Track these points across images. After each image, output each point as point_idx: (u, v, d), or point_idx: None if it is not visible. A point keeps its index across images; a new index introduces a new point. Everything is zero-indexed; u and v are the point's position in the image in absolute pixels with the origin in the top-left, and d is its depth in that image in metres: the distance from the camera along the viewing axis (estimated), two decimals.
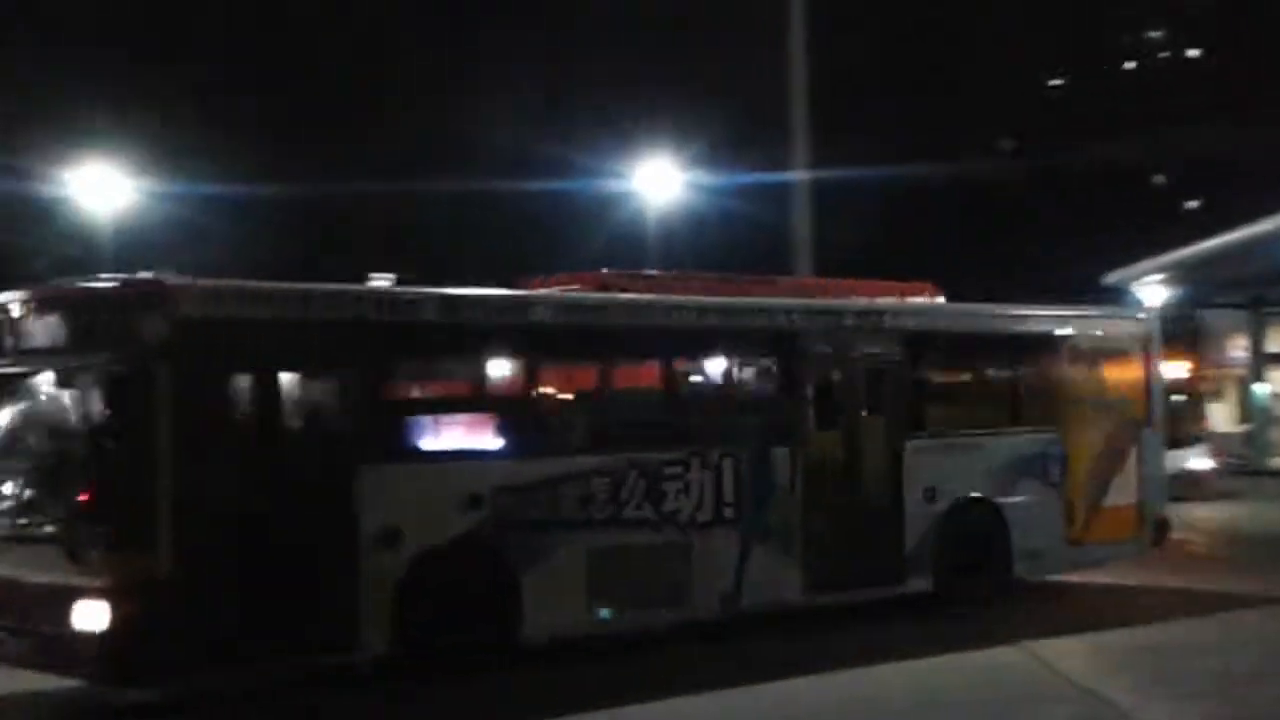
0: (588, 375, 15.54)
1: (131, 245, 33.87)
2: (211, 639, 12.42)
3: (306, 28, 44.72)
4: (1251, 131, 50.75)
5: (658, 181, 36.98)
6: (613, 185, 38.02)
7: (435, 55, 45.23)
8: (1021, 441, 17.91)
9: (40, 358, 13.13)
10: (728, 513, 15.54)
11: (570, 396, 15.45)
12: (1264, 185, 39.98)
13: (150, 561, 12.19)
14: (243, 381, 12.97)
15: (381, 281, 14.76)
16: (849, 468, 16.63)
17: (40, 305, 13.36)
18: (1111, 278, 38.45)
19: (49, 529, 12.56)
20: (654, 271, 22.20)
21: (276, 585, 12.71)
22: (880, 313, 17.46)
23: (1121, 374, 19.02)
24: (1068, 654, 14.65)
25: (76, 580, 12.19)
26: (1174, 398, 26.41)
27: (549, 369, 15.04)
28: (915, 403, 17.30)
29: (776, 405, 16.36)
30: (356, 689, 13.57)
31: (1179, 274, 38.15)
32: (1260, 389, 38.58)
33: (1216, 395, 38.88)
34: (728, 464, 15.54)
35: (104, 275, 14.12)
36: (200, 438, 12.41)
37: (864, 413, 16.85)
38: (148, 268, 13.68)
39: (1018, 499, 17.62)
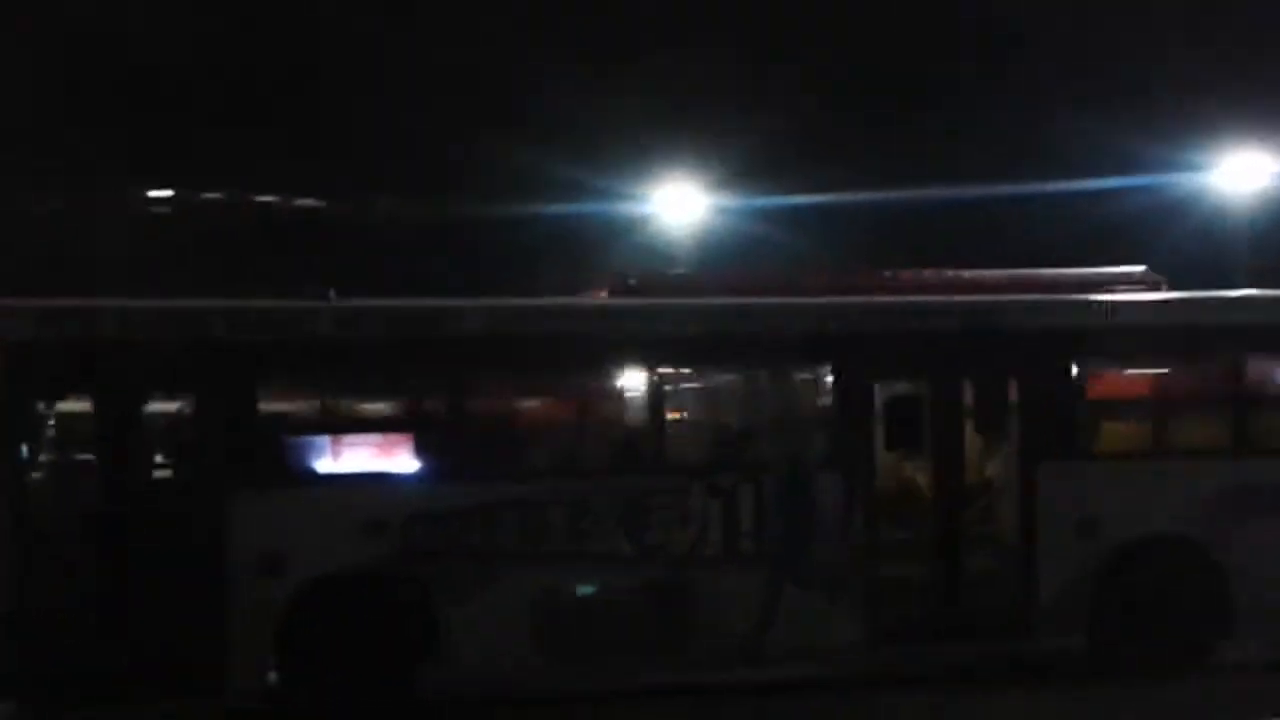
0: (534, 390, 14.08)
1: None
2: (56, 676, 11.99)
3: None
4: None
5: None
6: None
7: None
8: (1248, 466, 14.03)
9: None
10: (745, 547, 13.22)
11: (508, 416, 13.96)
12: None
13: None
14: (89, 404, 12.49)
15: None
16: (947, 493, 13.73)
17: None
18: None
19: None
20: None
21: (131, 618, 12.14)
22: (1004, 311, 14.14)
23: None
24: None
25: None
26: None
27: (477, 383, 13.54)
28: (1062, 416, 13.97)
29: (822, 421, 13.76)
30: None
31: None
32: None
33: None
34: (746, 490, 13.35)
35: None
36: (43, 464, 12.07)
37: (969, 428, 13.89)
38: None
39: (1243, 540, 13.91)
